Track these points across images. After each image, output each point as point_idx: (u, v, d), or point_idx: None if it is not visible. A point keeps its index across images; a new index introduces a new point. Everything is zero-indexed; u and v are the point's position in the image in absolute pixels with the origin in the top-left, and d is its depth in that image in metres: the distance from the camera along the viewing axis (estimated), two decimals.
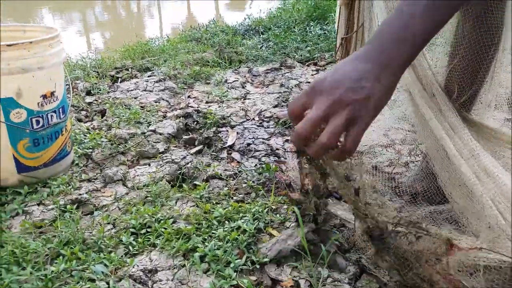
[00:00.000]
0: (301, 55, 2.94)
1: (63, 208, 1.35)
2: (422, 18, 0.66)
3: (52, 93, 1.44)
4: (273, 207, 1.33)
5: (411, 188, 1.48)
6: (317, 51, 2.98)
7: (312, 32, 3.25)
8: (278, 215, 1.29)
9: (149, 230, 1.24)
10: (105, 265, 1.10)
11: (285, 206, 1.34)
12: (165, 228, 1.21)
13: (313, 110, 0.66)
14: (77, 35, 5.73)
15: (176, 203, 1.38)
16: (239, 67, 2.83)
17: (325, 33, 3.24)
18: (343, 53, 1.88)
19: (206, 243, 1.14)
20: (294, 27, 3.36)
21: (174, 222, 1.27)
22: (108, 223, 1.30)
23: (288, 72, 2.72)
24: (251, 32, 3.54)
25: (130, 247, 1.17)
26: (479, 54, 1.13)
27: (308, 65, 2.86)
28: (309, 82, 2.60)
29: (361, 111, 0.64)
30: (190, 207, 1.36)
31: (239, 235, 1.16)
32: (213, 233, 1.19)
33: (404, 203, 1.45)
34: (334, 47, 2.70)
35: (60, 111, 1.50)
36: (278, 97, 2.35)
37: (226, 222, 1.23)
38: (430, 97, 1.20)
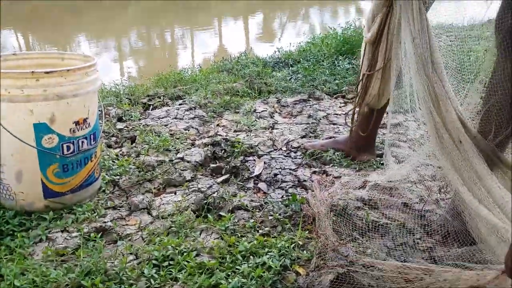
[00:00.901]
0: (329, 88, 2.89)
1: (87, 236, 1.32)
2: None
3: (84, 120, 1.44)
4: (300, 242, 1.25)
5: (442, 228, 1.39)
6: (345, 84, 2.93)
7: (341, 66, 3.21)
8: (305, 252, 1.21)
9: (171, 262, 1.19)
10: None
11: (312, 242, 1.26)
12: (188, 262, 1.15)
13: None
14: (111, 62, 5.91)
15: (200, 234, 1.33)
16: (268, 98, 2.80)
17: (353, 67, 3.19)
18: (362, 90, 1.84)
19: (230, 279, 1.07)
20: (323, 61, 3.33)
21: (197, 255, 1.21)
22: (131, 254, 1.26)
23: (316, 104, 2.67)
24: (281, 64, 3.53)
25: (152, 280, 1.12)
26: None
27: (336, 98, 2.81)
28: (337, 114, 2.54)
29: None
30: (215, 239, 1.29)
31: (264, 272, 1.08)
32: (237, 268, 1.12)
33: (435, 243, 1.36)
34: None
35: (91, 138, 1.49)
36: (305, 128, 2.29)
37: (251, 257, 1.16)
38: (457, 144, 1.16)
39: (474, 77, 3.27)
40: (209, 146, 1.97)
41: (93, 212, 1.44)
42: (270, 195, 1.61)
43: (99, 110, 1.60)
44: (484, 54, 3.55)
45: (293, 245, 1.22)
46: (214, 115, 2.49)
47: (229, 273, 1.10)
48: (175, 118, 2.44)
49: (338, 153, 1.93)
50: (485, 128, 1.29)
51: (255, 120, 2.40)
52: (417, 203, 1.53)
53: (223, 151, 1.96)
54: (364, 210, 1.44)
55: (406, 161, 1.89)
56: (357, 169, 1.81)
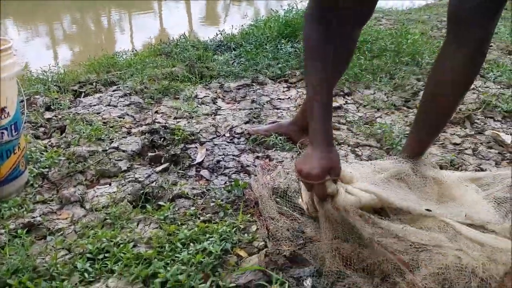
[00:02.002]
0: (273, 72, 2.94)
1: (13, 233, 1.27)
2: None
3: (2, 109, 1.38)
4: (241, 226, 1.30)
5: None
6: (288, 68, 3.00)
7: (283, 50, 3.27)
8: (246, 235, 1.26)
9: (107, 255, 1.18)
10: None
11: (254, 226, 1.31)
12: (124, 253, 1.15)
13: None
14: (42, 49, 5.59)
15: (137, 225, 1.33)
16: (210, 83, 2.81)
17: (295, 50, 3.27)
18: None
19: (169, 268, 1.09)
20: (265, 44, 3.38)
21: (134, 246, 1.21)
22: (63, 249, 1.24)
23: (259, 89, 2.72)
24: (223, 48, 3.53)
25: (86, 274, 1.11)
26: None
27: (279, 82, 2.87)
28: (281, 99, 2.60)
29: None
30: (153, 229, 1.30)
31: (204, 258, 1.11)
32: (176, 256, 1.14)
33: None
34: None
35: (12, 128, 1.43)
36: (249, 113, 2.33)
37: (191, 244, 1.19)
38: None
39: (411, 59, 3.46)
40: (147, 134, 1.96)
41: (20, 207, 1.39)
42: (213, 182, 1.63)
43: (21, 99, 1.53)
44: (420, 36, 3.75)
45: (234, 229, 1.26)
46: (152, 102, 2.46)
47: (168, 261, 1.12)
48: (109, 105, 2.38)
49: (281, 137, 1.99)
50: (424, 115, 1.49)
51: (197, 106, 2.41)
52: None
53: (162, 139, 1.95)
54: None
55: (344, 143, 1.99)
56: (299, 152, 1.88)
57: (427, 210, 1.19)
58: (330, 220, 1.21)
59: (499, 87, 3.14)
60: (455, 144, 2.07)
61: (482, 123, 2.40)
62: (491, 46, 3.65)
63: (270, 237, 1.25)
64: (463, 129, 2.29)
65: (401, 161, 1.48)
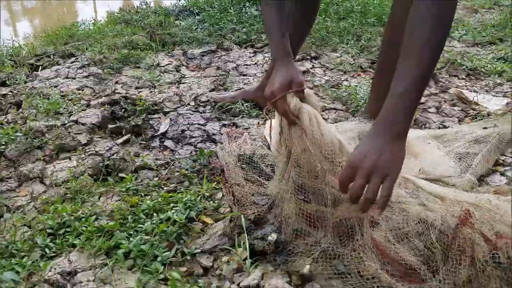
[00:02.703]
0: (238, 37, 2.90)
1: None
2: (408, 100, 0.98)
3: None
4: (207, 194, 1.30)
5: None
6: (253, 33, 2.96)
7: (248, 13, 3.21)
8: (212, 202, 1.26)
9: (68, 229, 1.17)
10: (17, 272, 1.02)
11: (220, 193, 1.32)
12: (86, 227, 1.14)
13: (357, 181, 0.95)
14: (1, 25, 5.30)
15: (99, 198, 1.32)
16: (173, 50, 2.75)
17: (261, 14, 3.22)
18: None
19: (132, 239, 1.09)
20: (230, 8, 3.31)
21: (96, 219, 1.20)
22: (23, 226, 1.22)
23: (225, 55, 2.68)
24: (185, 13, 3.44)
25: (47, 250, 1.10)
26: None
27: (245, 47, 2.83)
28: (247, 65, 2.58)
29: (387, 171, 0.94)
30: (116, 201, 1.29)
31: (168, 227, 1.11)
32: (139, 227, 1.14)
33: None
34: None
35: None
36: (215, 81, 2.30)
37: (155, 214, 1.18)
38: None
39: (377, 20, 3.46)
40: (107, 106, 1.91)
41: None
42: (178, 152, 1.62)
43: None
44: None
45: (199, 197, 1.27)
46: (112, 72, 2.39)
47: (131, 232, 1.12)
48: (67, 77, 2.31)
49: (248, 103, 1.98)
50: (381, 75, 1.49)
51: (159, 74, 2.36)
52: None
53: (123, 110, 1.91)
54: (271, 156, 1.52)
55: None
56: (266, 118, 1.88)
57: None
58: (297, 156, 1.19)
59: (463, 45, 3.20)
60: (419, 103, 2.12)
61: (446, 82, 2.45)
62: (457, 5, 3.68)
63: (236, 203, 1.27)
64: (427, 88, 2.34)
65: (363, 122, 1.51)
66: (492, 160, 1.51)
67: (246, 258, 1.03)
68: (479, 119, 1.93)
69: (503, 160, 1.57)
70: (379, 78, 1.60)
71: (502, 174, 1.46)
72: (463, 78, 2.55)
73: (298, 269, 1.02)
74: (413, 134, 1.60)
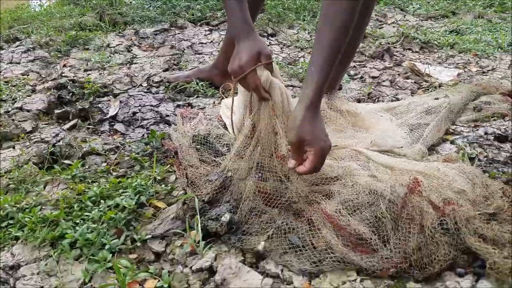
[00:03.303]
0: (193, 14, 2.81)
1: None
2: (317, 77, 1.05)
3: None
4: (159, 177, 1.26)
5: None
6: (208, 10, 2.88)
7: None
8: (164, 186, 1.22)
9: (11, 222, 1.10)
10: None
11: (173, 176, 1.28)
12: (30, 218, 1.08)
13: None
14: None
15: (44, 187, 1.25)
16: (124, 30, 2.63)
17: None
18: None
19: (78, 228, 1.04)
20: None
21: (41, 209, 1.14)
22: None
23: (179, 33, 2.60)
24: None
25: None
26: None
27: (200, 25, 2.75)
28: (202, 43, 2.51)
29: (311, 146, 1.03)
30: (62, 190, 1.23)
31: (116, 214, 1.07)
32: (86, 215, 1.09)
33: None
34: None
35: None
36: (168, 60, 2.23)
37: (102, 201, 1.13)
38: None
39: None
40: (53, 90, 1.81)
41: None
42: (129, 136, 1.56)
43: None
44: None
45: (150, 181, 1.22)
46: (59, 55, 2.27)
47: (78, 221, 1.07)
48: (10, 63, 2.18)
49: (203, 82, 1.93)
50: None
51: (109, 56, 2.26)
52: None
53: (70, 94, 1.81)
54: (227, 136, 1.49)
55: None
56: (222, 97, 1.84)
57: (334, 146, 1.22)
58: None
59: (417, 19, 3.24)
60: (373, 77, 2.13)
61: (400, 55, 2.48)
62: None
63: (190, 185, 1.23)
64: (382, 62, 2.35)
65: None
66: (443, 130, 1.54)
67: (199, 241, 1.00)
68: (431, 91, 1.96)
69: (453, 129, 1.60)
70: None
71: (452, 142, 1.49)
72: (416, 51, 2.59)
73: (253, 247, 1.01)
74: (365, 107, 1.61)
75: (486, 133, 1.54)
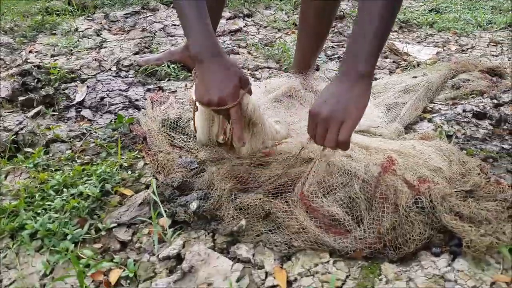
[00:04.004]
0: None
1: None
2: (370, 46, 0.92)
3: None
4: (126, 164, 1.22)
5: None
6: None
7: None
8: (131, 172, 1.18)
9: None
10: None
11: (141, 162, 1.23)
12: None
13: (318, 129, 0.95)
14: None
15: (6, 177, 1.19)
16: (94, 13, 2.55)
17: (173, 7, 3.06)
18: None
19: (39, 218, 0.99)
20: None
21: (1, 200, 1.09)
22: None
23: (151, 15, 2.52)
24: None
25: None
26: None
27: (173, 6, 2.68)
28: (175, 25, 2.44)
29: (344, 116, 0.92)
30: (24, 179, 1.18)
31: (79, 202, 1.03)
32: (48, 205, 1.04)
33: None
34: None
35: None
36: (139, 43, 2.16)
37: (65, 190, 1.09)
38: None
39: None
40: (17, 77, 1.74)
41: None
42: (97, 122, 1.51)
43: None
44: None
45: (116, 168, 1.18)
46: (25, 41, 2.18)
47: (39, 211, 1.02)
48: None
49: (174, 65, 1.88)
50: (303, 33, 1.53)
51: (78, 40, 2.18)
52: None
53: (36, 80, 1.74)
54: None
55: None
56: (195, 80, 1.79)
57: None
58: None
59: None
60: None
61: None
62: None
63: (160, 171, 1.20)
64: None
65: (291, 77, 1.46)
66: (420, 108, 1.53)
67: (167, 228, 0.97)
68: (410, 70, 1.94)
69: (431, 108, 1.58)
70: (301, 34, 1.56)
71: (429, 120, 1.47)
72: (395, 31, 2.56)
73: (224, 233, 0.98)
74: None
75: (464, 111, 1.53)
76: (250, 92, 1.06)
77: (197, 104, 1.07)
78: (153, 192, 1.07)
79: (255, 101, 1.06)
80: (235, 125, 1.03)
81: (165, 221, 1.01)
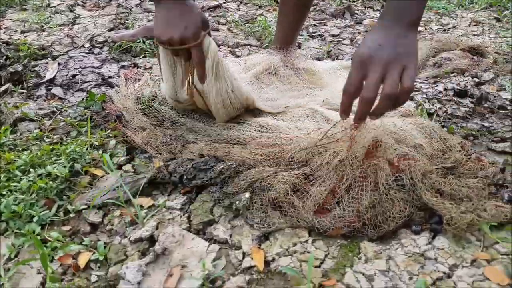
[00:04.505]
0: None
1: None
2: None
3: None
4: (97, 143, 1.16)
5: None
6: None
7: None
8: (103, 152, 1.13)
9: None
10: None
11: (113, 141, 1.18)
12: None
13: (372, 76, 0.81)
14: None
15: None
16: None
17: None
18: None
19: (3, 200, 0.94)
20: None
21: None
22: None
23: None
24: None
25: None
26: None
27: None
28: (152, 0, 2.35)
29: (406, 61, 0.82)
30: None
31: (47, 183, 0.97)
32: (14, 186, 0.98)
33: None
34: None
35: None
36: (114, 19, 2.08)
37: (32, 170, 1.03)
38: None
39: None
40: None
41: None
42: (68, 100, 1.44)
43: None
44: None
45: (87, 147, 1.12)
46: None
47: (4, 192, 0.97)
48: None
49: (150, 41, 1.81)
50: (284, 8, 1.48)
51: (49, 16, 2.08)
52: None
53: (4, 57, 1.65)
54: None
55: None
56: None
57: (285, 107, 1.16)
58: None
59: None
60: (333, 35, 2.06)
61: (361, 14, 2.41)
62: None
63: (137, 150, 1.15)
64: (343, 20, 2.28)
65: (272, 54, 1.41)
66: None
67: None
68: None
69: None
70: (283, 9, 1.51)
71: (410, 99, 1.45)
72: (377, 10, 2.53)
73: (200, 213, 0.94)
74: (324, 66, 1.54)
75: (445, 89, 1.51)
76: (210, 34, 1.04)
77: (159, 47, 1.07)
78: (127, 172, 1.03)
79: (215, 45, 1.04)
80: (196, 66, 1.02)
81: (138, 202, 0.97)
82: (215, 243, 0.88)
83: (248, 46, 1.94)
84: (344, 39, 2.01)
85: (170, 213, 0.96)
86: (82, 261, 0.83)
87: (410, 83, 0.81)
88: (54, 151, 1.10)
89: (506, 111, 1.35)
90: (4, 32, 1.93)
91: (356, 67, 0.84)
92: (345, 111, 0.89)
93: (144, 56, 1.74)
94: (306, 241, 0.87)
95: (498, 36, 2.13)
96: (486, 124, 1.27)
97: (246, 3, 2.44)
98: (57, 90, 1.48)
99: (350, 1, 2.49)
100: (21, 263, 0.80)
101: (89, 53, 1.74)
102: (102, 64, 1.65)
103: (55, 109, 1.34)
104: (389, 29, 0.85)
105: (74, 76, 1.56)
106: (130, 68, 1.63)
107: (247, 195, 0.93)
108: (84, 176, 1.05)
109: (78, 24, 2.03)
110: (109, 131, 1.23)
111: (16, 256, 0.85)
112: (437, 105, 1.39)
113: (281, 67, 1.37)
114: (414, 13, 0.86)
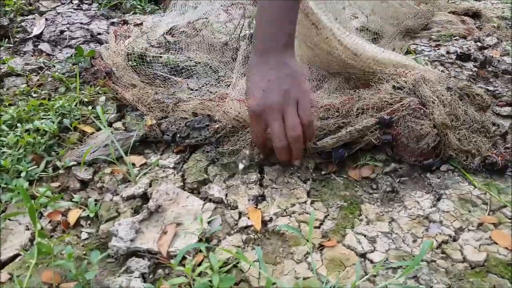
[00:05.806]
0: None
1: None
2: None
3: None
4: (86, 100, 1.11)
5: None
6: None
7: None
8: (92, 108, 1.08)
9: None
10: None
11: (103, 98, 1.13)
12: None
13: (273, 125, 0.81)
14: None
15: None
16: None
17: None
18: None
19: None
20: None
21: None
22: None
23: None
24: None
25: None
26: None
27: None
28: None
29: (296, 94, 0.80)
30: None
31: (34, 138, 0.93)
32: (1, 141, 0.94)
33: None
34: None
35: None
36: None
37: (20, 125, 0.98)
38: None
39: None
40: None
41: None
42: (56, 57, 1.38)
43: None
44: None
45: (75, 103, 1.08)
46: None
47: None
48: None
49: None
50: None
51: None
52: (226, 43, 1.47)
53: None
54: (167, 54, 1.34)
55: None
56: (163, 14, 1.65)
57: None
58: None
59: None
60: None
61: None
62: None
63: (128, 107, 1.11)
64: None
65: None
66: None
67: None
68: None
69: (414, 49, 1.52)
70: None
71: (414, 59, 1.41)
72: None
73: (194, 172, 0.91)
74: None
75: (448, 52, 1.46)
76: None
77: None
78: (117, 130, 0.99)
79: None
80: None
81: (131, 159, 0.93)
82: (210, 202, 0.85)
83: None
84: None
85: (164, 171, 0.92)
86: (72, 218, 0.80)
87: (308, 116, 0.81)
88: (42, 107, 1.06)
89: (510, 76, 1.32)
90: None
91: (253, 122, 0.83)
92: (270, 155, 0.90)
93: (134, 13, 1.67)
94: (305, 202, 0.84)
95: (500, 2, 2.08)
96: (491, 88, 1.24)
97: None
98: (44, 46, 1.41)
99: None
100: (8, 216, 0.77)
101: (77, 9, 1.66)
102: (91, 21, 1.58)
103: (42, 65, 1.28)
104: (266, 64, 0.81)
105: (62, 32, 1.49)
106: (120, 25, 1.56)
107: (247, 151, 0.90)
108: (73, 132, 1.01)
109: None
110: (98, 87, 1.18)
111: (3, 211, 0.81)
112: (440, 67, 1.35)
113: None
114: (285, 33, 0.81)
